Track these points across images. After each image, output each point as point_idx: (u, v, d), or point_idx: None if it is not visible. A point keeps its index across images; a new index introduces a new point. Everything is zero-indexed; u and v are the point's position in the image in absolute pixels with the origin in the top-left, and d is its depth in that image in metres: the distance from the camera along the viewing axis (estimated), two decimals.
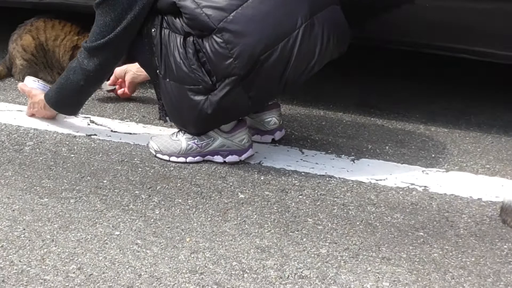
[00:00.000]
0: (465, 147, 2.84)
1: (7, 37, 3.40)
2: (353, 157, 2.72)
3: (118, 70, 3.06)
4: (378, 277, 2.01)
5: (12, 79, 3.41)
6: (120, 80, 3.12)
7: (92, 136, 2.82)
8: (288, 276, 2.00)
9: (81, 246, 2.10)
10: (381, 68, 3.75)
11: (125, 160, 2.64)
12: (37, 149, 2.70)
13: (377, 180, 2.55)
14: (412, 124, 3.04)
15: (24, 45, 3.32)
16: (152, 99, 3.17)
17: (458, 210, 2.37)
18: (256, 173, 2.57)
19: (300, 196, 2.43)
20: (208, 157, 2.62)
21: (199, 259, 2.06)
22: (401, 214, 2.33)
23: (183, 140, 2.61)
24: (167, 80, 2.50)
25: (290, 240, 2.17)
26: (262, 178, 2.54)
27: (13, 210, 2.29)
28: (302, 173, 2.58)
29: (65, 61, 3.27)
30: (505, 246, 2.18)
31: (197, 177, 2.52)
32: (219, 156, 2.61)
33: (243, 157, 2.61)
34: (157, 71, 2.53)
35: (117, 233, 2.18)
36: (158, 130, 2.88)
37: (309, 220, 2.28)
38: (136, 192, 2.42)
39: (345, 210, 2.35)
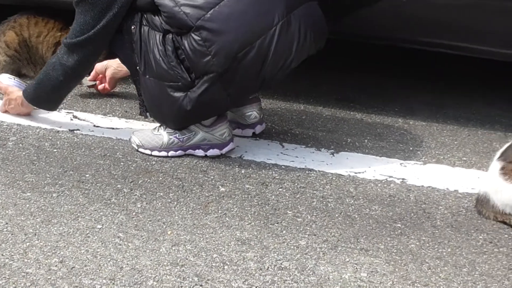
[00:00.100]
0: (443, 140, 2.89)
1: None
2: (332, 151, 2.76)
3: (99, 66, 3.07)
4: (356, 268, 2.04)
5: None
6: (100, 75, 3.13)
7: (75, 131, 2.84)
8: (268, 267, 2.03)
9: (64, 239, 2.12)
10: (361, 63, 3.78)
11: (108, 154, 2.66)
12: (20, 144, 2.71)
13: (356, 173, 2.59)
14: (390, 118, 3.08)
15: (7, 41, 3.32)
16: (135, 94, 3.16)
17: (435, 201, 2.41)
18: (237, 166, 2.60)
19: (280, 189, 2.46)
20: (190, 151, 2.65)
21: (180, 252, 2.08)
22: (379, 206, 2.37)
23: (165, 135, 2.63)
24: (147, 76, 2.52)
25: (270, 232, 2.20)
26: (243, 172, 2.57)
27: None
28: (282, 167, 2.61)
29: (48, 57, 3.28)
30: (481, 237, 2.22)
31: (179, 171, 2.55)
32: (200, 150, 2.64)
33: (224, 150, 2.64)
34: (137, 67, 2.55)
35: (99, 226, 2.20)
36: (141, 125, 2.90)
37: (289, 212, 2.32)
38: (118, 186, 2.44)
39: (324, 202, 2.38)
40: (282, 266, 2.04)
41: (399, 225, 2.27)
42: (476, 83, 3.52)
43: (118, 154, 2.67)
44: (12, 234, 2.14)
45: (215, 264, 2.03)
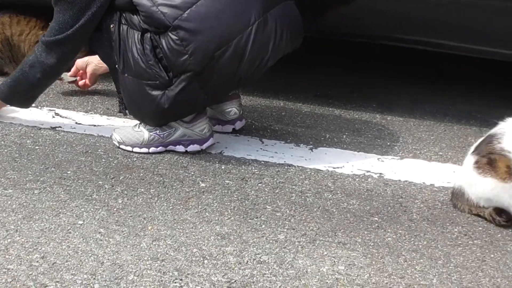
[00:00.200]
0: (419, 135, 2.93)
1: None
2: (311, 146, 2.79)
3: (79, 62, 3.09)
4: (334, 261, 2.07)
5: None
6: (81, 71, 3.15)
7: (57, 129, 2.85)
8: (247, 261, 2.06)
9: (45, 235, 2.14)
10: (340, 60, 3.81)
11: (89, 151, 2.68)
12: (2, 142, 2.72)
13: (334, 168, 2.62)
14: (368, 114, 3.12)
15: None
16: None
17: (411, 195, 2.45)
18: (217, 162, 2.63)
19: (259, 184, 2.49)
20: (170, 147, 2.67)
21: (161, 247, 2.11)
22: (357, 200, 2.40)
23: (145, 131, 2.65)
24: (126, 75, 2.54)
25: (249, 227, 2.23)
26: (223, 167, 2.59)
27: None
28: (262, 162, 2.64)
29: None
30: (456, 230, 2.26)
31: (160, 167, 2.57)
32: (181, 146, 2.66)
33: (204, 146, 2.67)
34: (116, 66, 2.57)
35: (81, 222, 2.22)
36: (122, 122, 2.92)
37: (268, 207, 2.35)
38: (100, 182, 2.46)
39: (303, 197, 2.42)
40: (261, 260, 2.07)
41: (376, 218, 2.30)
42: (453, 79, 3.56)
43: (99, 151, 2.69)
44: None
45: (195, 259, 2.06)
